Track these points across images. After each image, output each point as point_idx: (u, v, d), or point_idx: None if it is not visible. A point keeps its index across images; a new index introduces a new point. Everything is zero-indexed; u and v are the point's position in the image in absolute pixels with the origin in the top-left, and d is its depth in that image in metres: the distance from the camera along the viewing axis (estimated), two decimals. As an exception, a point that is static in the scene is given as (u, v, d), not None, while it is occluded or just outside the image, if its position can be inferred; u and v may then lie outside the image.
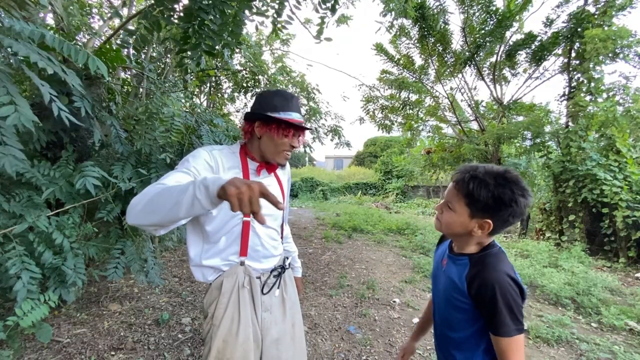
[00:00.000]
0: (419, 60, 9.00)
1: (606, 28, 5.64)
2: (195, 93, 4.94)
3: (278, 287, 1.22)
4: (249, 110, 1.21)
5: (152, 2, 1.93)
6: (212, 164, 1.06)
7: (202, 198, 0.73)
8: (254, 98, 1.42)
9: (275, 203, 0.74)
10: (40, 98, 2.01)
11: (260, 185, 0.71)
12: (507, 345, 0.80)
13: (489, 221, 0.83)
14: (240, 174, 1.12)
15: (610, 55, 5.63)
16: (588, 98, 5.84)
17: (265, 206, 0.91)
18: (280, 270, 1.25)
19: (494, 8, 7.26)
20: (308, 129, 1.20)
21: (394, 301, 3.21)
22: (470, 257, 0.88)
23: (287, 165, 1.34)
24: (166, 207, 0.78)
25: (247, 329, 1.09)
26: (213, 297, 1.11)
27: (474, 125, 9.27)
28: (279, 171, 1.29)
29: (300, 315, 1.34)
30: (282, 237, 1.32)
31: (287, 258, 1.33)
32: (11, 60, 1.27)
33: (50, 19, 2.92)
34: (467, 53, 7.89)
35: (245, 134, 1.18)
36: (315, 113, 5.11)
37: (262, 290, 1.17)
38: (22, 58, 1.17)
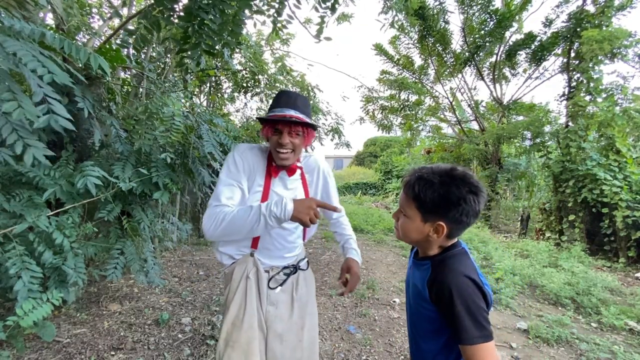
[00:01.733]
0: (418, 61, 9.02)
1: (604, 28, 5.65)
2: (195, 93, 4.94)
3: (281, 285, 1.23)
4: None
5: (152, 2, 1.93)
6: (245, 167, 1.16)
7: (275, 225, 1.02)
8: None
9: (333, 209, 1.08)
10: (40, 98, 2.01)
11: (314, 201, 1.02)
12: (471, 354, 0.73)
13: (442, 224, 0.79)
14: (263, 177, 1.18)
15: (608, 55, 5.63)
16: (587, 98, 5.84)
17: None
18: (292, 270, 1.26)
19: (494, 8, 7.26)
20: (288, 120, 1.09)
21: (394, 301, 3.21)
22: (432, 261, 0.84)
23: (316, 162, 1.31)
24: (244, 232, 1.04)
25: (251, 317, 1.13)
26: (227, 281, 1.21)
27: (474, 125, 9.28)
28: (307, 173, 1.29)
29: (315, 320, 1.31)
30: (304, 238, 1.33)
31: (304, 259, 1.34)
32: (11, 60, 1.27)
33: (50, 19, 2.92)
34: (466, 53, 7.89)
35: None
36: (316, 111, 5.10)
37: (268, 284, 1.19)
38: (19, 58, 1.17)
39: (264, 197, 1.16)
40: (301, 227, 1.27)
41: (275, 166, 1.18)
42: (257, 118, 1.23)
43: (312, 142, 1.25)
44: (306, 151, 1.31)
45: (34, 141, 1.21)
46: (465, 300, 0.74)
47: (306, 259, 1.36)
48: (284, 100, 1.13)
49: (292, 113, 1.10)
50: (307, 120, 1.13)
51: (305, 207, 0.99)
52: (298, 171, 1.25)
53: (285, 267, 1.25)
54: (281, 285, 1.23)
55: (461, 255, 0.82)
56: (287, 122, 1.10)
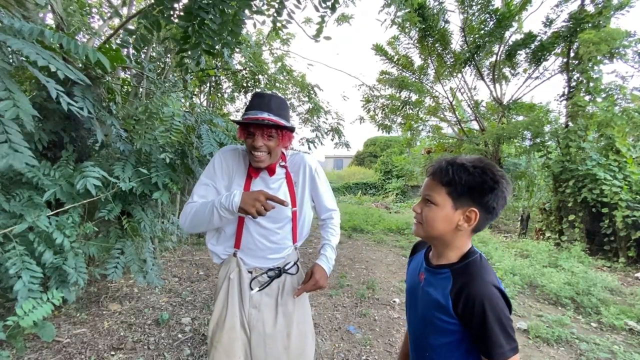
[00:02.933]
0: (418, 61, 9.01)
1: (603, 28, 5.65)
2: (195, 93, 4.94)
3: (261, 288, 1.20)
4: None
5: (152, 1, 1.93)
6: (225, 168, 1.21)
7: (228, 216, 1.06)
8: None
9: (280, 202, 1.02)
10: (40, 98, 2.01)
11: (262, 193, 1.01)
12: None
13: (475, 210, 0.76)
14: (244, 177, 1.19)
15: (607, 55, 5.63)
16: (587, 98, 5.84)
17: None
18: (277, 273, 1.22)
19: (494, 8, 7.26)
20: (260, 123, 1.08)
21: (394, 301, 3.21)
22: (452, 269, 0.79)
23: (302, 165, 1.27)
24: (204, 224, 1.12)
25: (232, 318, 1.14)
26: (218, 280, 1.24)
27: (474, 125, 9.28)
28: (292, 172, 1.26)
29: (304, 328, 1.26)
30: (294, 241, 1.28)
31: (292, 263, 1.28)
32: (10, 59, 1.26)
33: (50, 19, 2.92)
34: (466, 53, 7.89)
35: None
36: (318, 109, 5.10)
37: (250, 285, 1.18)
38: (24, 59, 1.16)
39: None
40: (287, 228, 1.24)
41: (253, 167, 1.18)
42: (232, 121, 1.31)
43: (290, 143, 1.23)
44: (292, 149, 1.30)
45: (22, 147, 1.17)
46: (497, 313, 0.71)
47: (296, 263, 1.30)
48: (257, 103, 1.12)
49: (264, 115, 1.09)
50: (281, 122, 1.11)
51: (251, 199, 1.00)
52: (282, 170, 1.23)
53: (270, 269, 1.22)
54: (261, 288, 1.19)
55: (485, 263, 0.79)
56: (259, 125, 1.09)
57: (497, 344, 0.70)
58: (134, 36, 2.18)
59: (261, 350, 1.16)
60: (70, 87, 1.84)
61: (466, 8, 7.51)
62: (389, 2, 2.92)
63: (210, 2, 1.72)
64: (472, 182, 0.75)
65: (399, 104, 9.33)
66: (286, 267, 1.25)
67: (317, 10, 2.13)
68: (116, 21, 3.49)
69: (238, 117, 6.05)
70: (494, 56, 8.02)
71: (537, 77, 7.86)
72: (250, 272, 1.20)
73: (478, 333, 0.72)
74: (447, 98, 8.99)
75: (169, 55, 3.94)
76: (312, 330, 1.30)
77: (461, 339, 0.77)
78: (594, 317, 2.99)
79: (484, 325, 0.71)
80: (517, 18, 7.27)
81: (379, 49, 8.90)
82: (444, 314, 0.78)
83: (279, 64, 5.29)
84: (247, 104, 1.17)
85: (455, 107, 9.05)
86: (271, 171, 1.20)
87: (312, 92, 5.26)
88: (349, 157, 27.29)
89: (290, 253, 1.29)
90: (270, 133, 1.11)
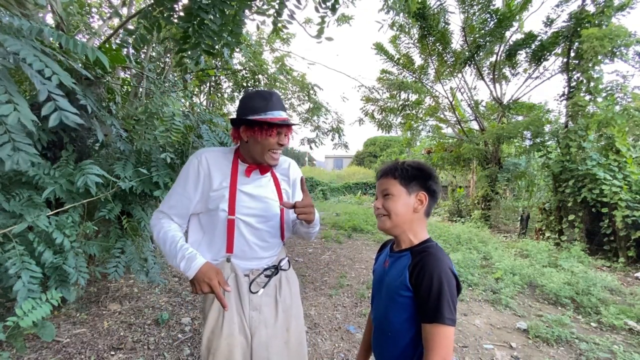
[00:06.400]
0: (418, 60, 9.02)
1: (605, 27, 5.65)
2: (195, 93, 4.94)
3: (264, 287, 1.20)
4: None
5: (152, 1, 1.93)
6: (202, 173, 1.16)
7: (183, 272, 1.08)
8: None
9: (222, 304, 1.08)
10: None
11: (218, 276, 1.06)
12: (437, 332, 0.80)
13: (424, 193, 0.94)
14: (228, 178, 1.17)
15: (608, 54, 5.63)
16: (587, 98, 5.84)
17: (255, 207, 1.20)
18: (273, 271, 1.23)
19: (494, 8, 7.26)
20: (293, 124, 1.19)
21: (394, 301, 3.21)
22: (412, 250, 0.93)
23: (290, 164, 1.32)
24: (169, 260, 1.13)
25: (231, 325, 1.12)
26: None
27: (474, 125, 9.28)
28: (278, 171, 1.28)
29: (300, 321, 1.30)
30: (282, 237, 1.30)
31: (285, 259, 1.30)
32: (10, 59, 1.26)
33: (50, 19, 2.92)
34: (467, 53, 7.89)
35: (234, 139, 1.20)
36: (318, 108, 5.10)
37: (250, 288, 1.17)
38: (23, 58, 1.16)
39: (231, 197, 1.15)
40: (277, 226, 1.25)
41: (250, 166, 1.19)
42: (252, 119, 1.12)
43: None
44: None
45: (25, 145, 1.17)
46: (444, 286, 0.82)
47: (287, 259, 1.32)
48: (276, 102, 1.14)
49: (285, 116, 1.16)
50: (292, 122, 1.21)
51: (207, 277, 1.04)
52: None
53: (266, 269, 1.22)
54: (264, 287, 1.20)
55: (441, 249, 0.93)
56: (286, 125, 1.14)
57: (439, 311, 0.80)
58: (134, 36, 2.18)
59: (263, 350, 1.15)
60: (70, 87, 1.84)
61: (467, 8, 7.51)
62: (388, 7, 2.91)
63: (210, 2, 1.72)
64: (415, 172, 0.96)
65: (399, 105, 9.34)
66: (281, 265, 1.28)
67: (317, 11, 2.13)
68: (116, 21, 3.49)
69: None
70: (494, 56, 8.03)
71: (537, 77, 7.86)
72: (247, 276, 1.19)
73: (424, 300, 0.83)
74: (447, 98, 9.00)
75: (168, 55, 3.94)
76: (304, 322, 1.35)
77: (414, 315, 0.88)
78: (594, 317, 2.99)
79: (430, 294, 0.82)
80: (517, 18, 7.27)
81: (379, 48, 8.91)
82: (402, 288, 0.89)
83: (279, 63, 5.29)
84: (260, 100, 1.13)
85: (455, 107, 9.05)
86: (264, 170, 1.21)
87: (312, 91, 5.26)
88: (349, 157, 27.31)
89: (281, 249, 1.32)
90: (291, 133, 1.21)
